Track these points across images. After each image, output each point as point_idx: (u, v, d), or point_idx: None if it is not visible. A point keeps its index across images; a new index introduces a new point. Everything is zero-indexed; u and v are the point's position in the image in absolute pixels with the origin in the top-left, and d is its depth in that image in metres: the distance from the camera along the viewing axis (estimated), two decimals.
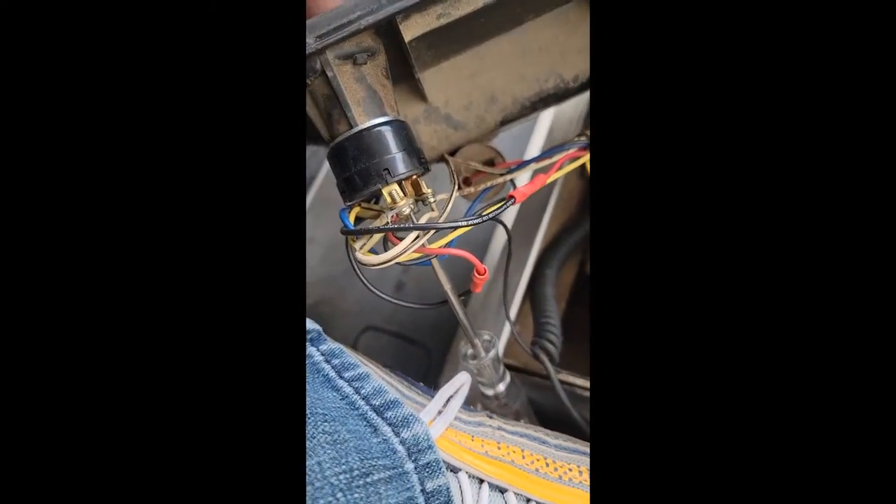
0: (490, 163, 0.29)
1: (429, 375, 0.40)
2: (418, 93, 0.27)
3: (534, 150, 0.42)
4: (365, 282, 0.20)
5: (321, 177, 0.54)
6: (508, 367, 0.30)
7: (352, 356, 0.21)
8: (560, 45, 0.27)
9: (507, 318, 0.26)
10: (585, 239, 0.36)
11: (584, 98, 0.37)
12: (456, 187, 0.22)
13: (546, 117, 0.37)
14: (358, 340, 0.45)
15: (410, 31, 0.20)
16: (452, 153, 0.29)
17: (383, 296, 0.22)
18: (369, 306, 0.47)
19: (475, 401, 0.28)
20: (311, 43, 0.18)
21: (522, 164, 0.27)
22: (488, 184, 0.27)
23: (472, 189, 0.27)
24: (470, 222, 0.20)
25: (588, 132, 0.26)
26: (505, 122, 0.29)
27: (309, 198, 0.54)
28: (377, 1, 0.18)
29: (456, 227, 0.20)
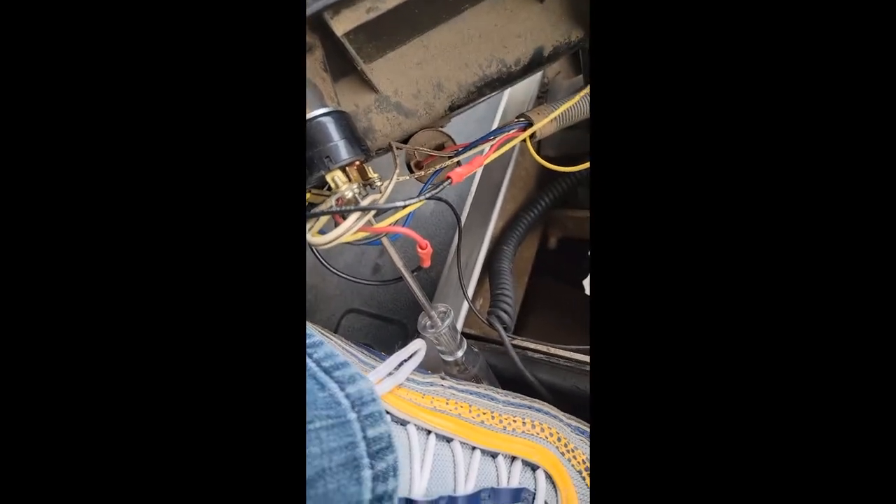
0: (440, 147, 0.31)
1: None
2: (368, 83, 0.28)
3: None
4: (319, 257, 0.22)
5: None
6: (469, 336, 0.32)
7: (309, 328, 0.23)
8: (500, 32, 0.29)
9: (463, 291, 0.28)
10: (544, 214, 0.38)
11: (534, 80, 0.39)
12: (397, 171, 0.24)
13: (504, 100, 0.39)
14: (340, 322, 0.48)
15: (342, 25, 0.21)
16: (406, 139, 0.31)
17: (335, 271, 0.24)
18: (350, 290, 0.49)
19: (437, 368, 0.30)
20: None
21: (467, 147, 0.28)
22: (438, 166, 0.29)
23: (423, 172, 0.29)
24: (407, 203, 0.22)
25: (526, 112, 0.28)
26: (454, 108, 0.31)
27: None
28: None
29: (395, 208, 0.22)
